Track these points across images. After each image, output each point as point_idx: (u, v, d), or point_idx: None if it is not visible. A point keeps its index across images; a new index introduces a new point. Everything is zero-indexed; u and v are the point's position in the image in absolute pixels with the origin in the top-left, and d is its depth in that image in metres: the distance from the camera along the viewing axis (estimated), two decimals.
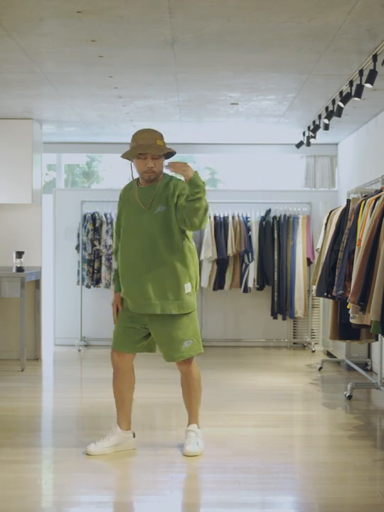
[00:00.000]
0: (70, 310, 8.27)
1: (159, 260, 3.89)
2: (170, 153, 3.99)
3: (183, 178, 3.84)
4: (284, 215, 8.02)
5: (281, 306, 7.98)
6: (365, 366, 6.74)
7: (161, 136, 3.95)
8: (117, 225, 4.13)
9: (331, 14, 3.89)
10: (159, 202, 3.93)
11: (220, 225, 7.92)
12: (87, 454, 4.00)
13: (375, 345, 6.58)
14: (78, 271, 8.12)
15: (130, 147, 3.95)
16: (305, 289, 7.96)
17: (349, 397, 5.50)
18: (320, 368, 6.79)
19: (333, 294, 5.48)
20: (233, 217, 7.97)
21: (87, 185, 10.91)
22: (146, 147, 3.86)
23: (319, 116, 6.49)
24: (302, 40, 4.38)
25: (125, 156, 3.98)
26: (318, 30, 4.17)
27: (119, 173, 10.66)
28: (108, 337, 8.06)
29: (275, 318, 8.07)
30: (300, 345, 8.30)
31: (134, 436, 4.16)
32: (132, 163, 4.00)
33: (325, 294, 5.85)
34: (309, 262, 7.98)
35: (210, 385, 6.00)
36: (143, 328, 4.03)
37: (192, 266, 3.98)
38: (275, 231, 7.98)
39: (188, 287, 3.94)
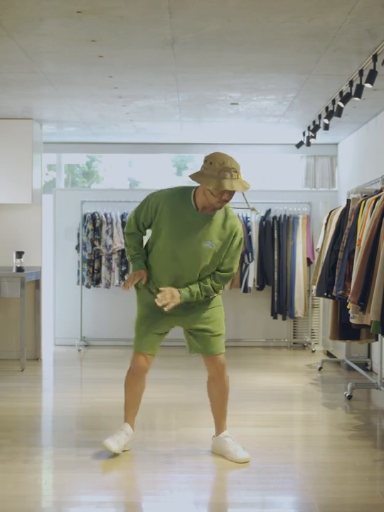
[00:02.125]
0: (70, 310, 8.26)
1: (194, 280, 3.92)
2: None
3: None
4: (284, 215, 8.02)
5: (281, 306, 7.98)
6: (365, 366, 6.74)
7: (240, 168, 3.73)
8: (145, 217, 3.93)
9: (331, 14, 3.89)
10: (211, 236, 3.86)
11: None
12: (108, 450, 3.96)
13: (375, 345, 6.58)
14: (78, 271, 8.12)
15: (207, 173, 3.69)
16: (305, 289, 7.96)
17: (349, 397, 5.50)
18: (320, 368, 6.80)
19: (333, 294, 5.48)
20: None
21: (87, 185, 10.91)
22: (234, 185, 3.66)
23: (319, 116, 6.49)
24: (302, 40, 4.38)
25: (202, 182, 3.72)
26: (318, 30, 4.17)
27: (119, 173, 10.66)
28: (108, 337, 8.15)
29: (275, 318, 8.07)
30: (300, 345, 8.31)
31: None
32: (203, 187, 3.79)
33: (325, 294, 5.85)
34: (309, 262, 7.98)
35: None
36: (167, 331, 4.08)
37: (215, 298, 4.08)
38: (275, 231, 7.98)
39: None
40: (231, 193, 3.75)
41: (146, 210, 3.95)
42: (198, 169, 3.83)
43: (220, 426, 4.12)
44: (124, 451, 4.06)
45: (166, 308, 3.81)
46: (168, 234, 3.87)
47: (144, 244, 4.08)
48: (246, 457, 3.97)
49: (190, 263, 3.88)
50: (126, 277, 7.89)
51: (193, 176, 3.77)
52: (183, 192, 3.92)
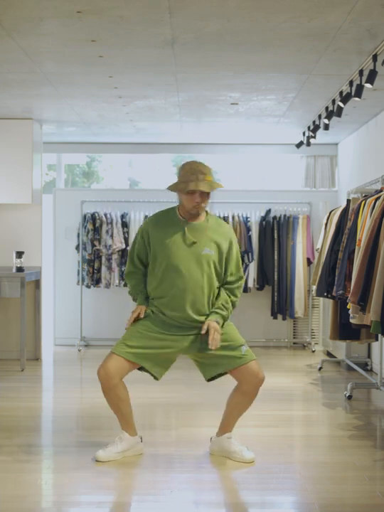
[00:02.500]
0: (70, 310, 8.27)
1: (198, 298, 3.89)
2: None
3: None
4: (284, 215, 8.02)
5: (281, 306, 7.98)
6: (365, 366, 6.74)
7: (209, 171, 3.88)
8: (139, 251, 4.01)
9: (331, 14, 3.89)
10: (207, 243, 3.92)
11: None
12: (97, 461, 3.94)
13: (375, 345, 6.59)
14: (78, 271, 8.12)
15: (178, 181, 3.89)
16: (305, 289, 7.96)
17: (349, 397, 5.50)
18: (320, 368, 6.80)
19: (333, 294, 5.48)
20: (233, 217, 7.97)
21: (87, 185, 10.91)
22: (198, 185, 3.80)
23: (319, 116, 6.49)
24: (302, 40, 4.38)
25: (173, 189, 3.91)
26: (318, 30, 4.17)
27: (119, 173, 10.66)
28: (108, 337, 8.15)
29: (275, 318, 8.07)
30: (300, 345, 8.31)
31: (141, 441, 4.12)
32: (178, 196, 3.95)
33: (325, 294, 5.85)
34: (309, 262, 7.98)
35: (210, 385, 5.99)
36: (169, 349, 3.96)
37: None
38: (275, 231, 7.98)
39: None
40: (203, 196, 3.85)
41: (139, 243, 4.03)
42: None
43: (226, 429, 4.09)
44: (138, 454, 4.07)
45: (214, 347, 3.81)
46: (165, 252, 3.91)
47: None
48: (252, 457, 3.98)
49: (193, 274, 3.88)
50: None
51: (168, 189, 3.95)
52: (167, 211, 4.08)
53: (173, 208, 4.06)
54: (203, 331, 3.81)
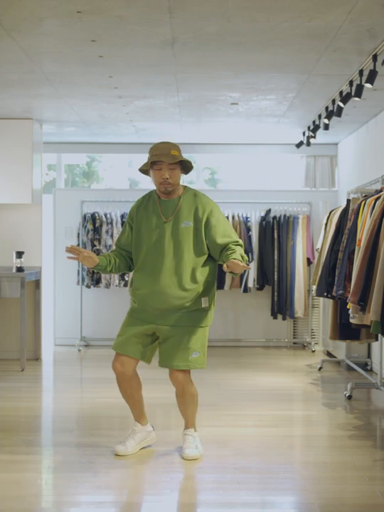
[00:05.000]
0: (70, 310, 8.27)
1: (182, 273, 3.88)
2: (187, 167, 3.97)
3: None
4: (284, 215, 8.02)
5: (281, 306, 7.98)
6: (365, 366, 6.74)
7: (175, 147, 3.91)
8: (125, 239, 4.04)
9: (331, 14, 3.89)
10: (184, 216, 3.93)
11: None
12: (117, 455, 4.01)
13: (375, 345, 6.59)
14: (78, 271, 8.12)
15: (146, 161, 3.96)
16: (305, 289, 7.96)
17: (349, 397, 5.50)
18: (320, 368, 6.80)
19: (333, 294, 5.48)
20: (233, 217, 7.97)
21: (87, 185, 10.91)
22: (159, 156, 3.85)
23: (319, 116, 6.49)
24: (302, 40, 4.38)
25: (143, 168, 3.98)
26: (318, 30, 4.17)
27: (119, 173, 10.65)
28: (108, 337, 8.15)
29: (275, 318, 8.07)
30: (300, 345, 8.31)
31: (153, 429, 4.23)
32: (151, 177, 3.99)
33: (325, 294, 5.85)
34: (309, 262, 7.98)
35: (210, 385, 6.00)
36: (150, 335, 4.01)
37: (212, 281, 3.99)
38: (275, 231, 7.98)
39: (205, 301, 3.95)
40: (171, 169, 3.87)
41: (125, 228, 4.08)
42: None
43: (185, 423, 4.13)
44: (145, 447, 4.17)
45: (238, 271, 3.65)
46: (146, 238, 3.95)
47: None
48: (192, 455, 3.99)
49: (174, 252, 3.89)
50: (126, 277, 7.89)
51: (139, 169, 4.03)
52: (147, 195, 4.12)
53: (149, 192, 4.11)
54: (227, 269, 3.68)
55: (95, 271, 3.95)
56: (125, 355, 3.98)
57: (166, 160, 3.85)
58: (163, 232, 3.92)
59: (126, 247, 4.05)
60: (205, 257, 3.95)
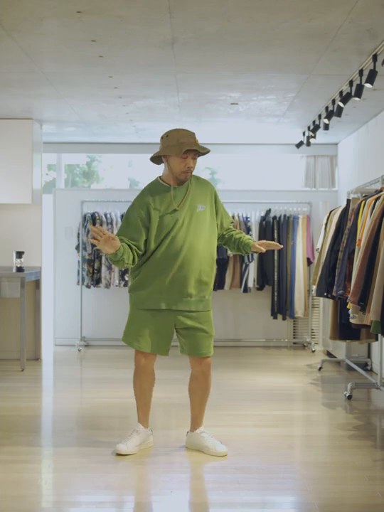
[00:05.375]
0: (70, 310, 8.27)
1: (202, 259, 3.96)
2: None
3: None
4: (284, 215, 8.02)
5: (281, 306, 7.97)
6: (365, 366, 6.74)
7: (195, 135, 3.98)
8: (135, 232, 3.91)
9: (331, 14, 3.89)
10: (198, 201, 3.99)
11: None
12: (118, 454, 4.01)
13: (375, 345, 6.58)
14: (78, 271, 8.12)
15: (166, 145, 3.91)
16: (305, 289, 7.96)
17: (349, 397, 5.50)
18: (320, 368, 6.80)
19: (333, 294, 5.48)
20: (233, 217, 7.96)
21: (87, 185, 10.90)
22: (193, 144, 3.86)
23: (319, 116, 6.49)
24: (302, 40, 4.38)
25: (164, 152, 3.90)
26: (318, 30, 4.17)
27: (119, 173, 10.65)
28: (108, 337, 8.15)
29: (275, 318, 8.07)
30: (300, 345, 8.31)
31: (152, 433, 4.25)
32: (166, 162, 3.95)
33: (325, 294, 5.85)
34: (309, 262, 7.98)
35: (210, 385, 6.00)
36: (171, 330, 4.05)
37: (215, 266, 4.14)
38: (275, 231, 7.97)
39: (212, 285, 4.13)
40: (194, 158, 3.91)
41: (133, 221, 3.93)
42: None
43: (196, 423, 4.18)
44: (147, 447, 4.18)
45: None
46: (164, 220, 3.94)
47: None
48: (224, 451, 4.04)
49: (193, 237, 3.93)
50: (126, 277, 7.89)
51: (154, 155, 3.99)
52: (150, 185, 4.07)
53: (153, 181, 4.07)
54: (264, 249, 3.98)
55: (110, 260, 3.82)
56: (147, 351, 4.03)
57: (199, 149, 3.88)
58: (181, 219, 3.93)
59: (135, 241, 3.92)
60: (215, 240, 4.07)
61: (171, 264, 3.93)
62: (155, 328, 4.00)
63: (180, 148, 3.84)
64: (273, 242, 3.99)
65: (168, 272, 3.93)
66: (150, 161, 4.09)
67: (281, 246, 4.02)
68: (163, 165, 4.05)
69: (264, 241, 4.04)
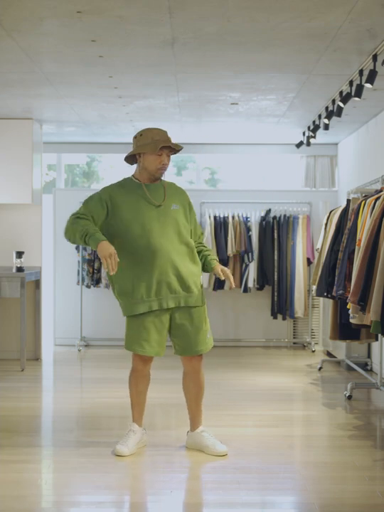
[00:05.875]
0: (70, 310, 8.27)
1: (179, 253, 3.97)
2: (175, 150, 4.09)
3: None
4: (284, 215, 8.02)
5: (281, 306, 7.97)
6: (365, 366, 6.74)
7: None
8: (95, 207, 3.89)
9: (331, 14, 3.89)
10: (172, 200, 4.04)
11: (220, 225, 7.93)
12: (119, 456, 4.00)
13: (375, 345, 6.58)
14: (78, 271, 8.12)
15: (140, 144, 3.98)
16: (305, 289, 7.96)
17: (349, 397, 5.50)
18: (320, 368, 6.80)
19: (333, 294, 5.48)
20: (233, 217, 7.97)
21: (87, 185, 10.90)
22: (167, 142, 3.93)
23: (319, 116, 6.49)
24: (302, 40, 4.38)
25: (140, 150, 3.96)
26: (318, 30, 4.17)
27: (119, 173, 10.65)
28: (108, 337, 8.15)
29: (275, 318, 8.07)
30: (300, 345, 8.31)
31: (146, 432, 4.26)
32: (140, 160, 4.00)
33: (325, 294, 5.85)
34: (309, 262, 7.98)
35: (210, 385, 5.98)
36: (167, 329, 4.04)
37: (198, 261, 4.13)
38: (275, 231, 7.97)
39: (202, 279, 4.12)
40: (168, 155, 3.99)
41: (95, 202, 3.94)
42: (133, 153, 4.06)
43: (196, 421, 4.18)
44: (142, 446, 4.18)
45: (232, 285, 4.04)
46: (135, 216, 3.93)
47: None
48: (225, 450, 4.05)
49: (168, 234, 3.94)
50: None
51: (129, 153, 4.04)
52: (123, 181, 4.10)
53: (127, 178, 4.10)
54: (222, 277, 4.03)
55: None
56: (153, 355, 4.04)
57: (173, 146, 3.96)
58: (157, 215, 3.95)
59: (94, 213, 3.89)
60: (189, 238, 4.07)
61: (148, 259, 3.91)
62: (153, 330, 3.99)
63: (155, 146, 3.92)
64: (230, 276, 4.03)
65: (146, 267, 3.91)
66: (124, 161, 4.15)
67: (234, 286, 4.09)
68: (135, 165, 4.13)
69: (225, 270, 4.05)
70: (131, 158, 4.12)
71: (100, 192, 4.02)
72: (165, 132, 4.02)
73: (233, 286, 4.07)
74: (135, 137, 4.05)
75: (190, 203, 4.18)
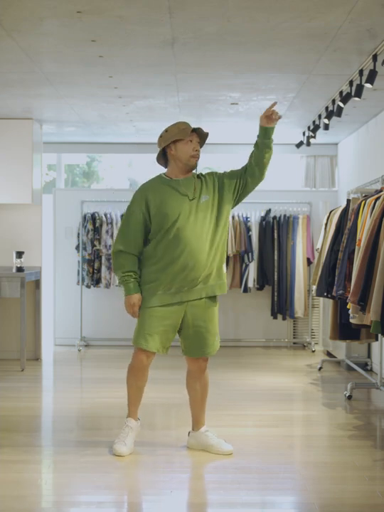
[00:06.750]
0: (70, 310, 8.27)
1: (210, 246, 3.95)
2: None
3: (263, 122, 4.26)
4: (284, 215, 8.02)
5: (281, 306, 7.97)
6: (365, 366, 6.74)
7: None
8: (135, 223, 3.97)
9: (331, 14, 3.89)
10: (203, 191, 4.01)
11: None
12: (119, 456, 3.99)
13: (375, 345, 6.59)
14: (78, 271, 8.12)
15: (171, 136, 3.94)
16: (305, 289, 7.96)
17: (349, 397, 5.50)
18: (320, 368, 6.80)
19: (333, 294, 5.48)
20: (233, 217, 7.96)
21: (87, 185, 10.91)
22: (190, 128, 3.94)
23: (319, 116, 6.49)
24: (302, 40, 4.38)
25: (175, 137, 3.92)
26: (318, 30, 4.17)
27: (119, 173, 10.66)
28: (108, 337, 8.15)
29: (275, 318, 8.07)
30: (300, 345, 8.31)
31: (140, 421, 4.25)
32: (172, 153, 3.98)
33: (325, 294, 5.85)
34: (309, 262, 7.98)
35: (210, 385, 5.99)
36: (177, 327, 4.04)
37: (224, 258, 4.11)
38: (275, 231, 7.97)
39: (225, 268, 4.10)
40: (199, 141, 4.00)
41: (136, 217, 3.98)
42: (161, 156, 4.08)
43: (199, 421, 4.18)
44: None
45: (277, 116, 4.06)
46: (170, 210, 3.92)
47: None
48: (230, 449, 4.06)
49: (201, 227, 3.92)
50: None
51: (159, 153, 4.04)
52: (154, 180, 4.09)
53: (156, 177, 4.09)
54: (270, 111, 4.03)
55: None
56: (155, 351, 4.02)
57: (201, 130, 3.98)
58: (189, 211, 3.93)
59: (140, 238, 3.98)
60: (221, 228, 4.01)
61: (177, 253, 3.90)
62: (164, 327, 3.98)
63: (186, 131, 3.93)
64: (270, 109, 4.02)
65: (174, 260, 3.91)
66: (156, 163, 4.11)
67: (279, 113, 4.06)
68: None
69: (264, 113, 4.09)
70: (162, 160, 4.08)
71: (137, 197, 4.01)
72: (188, 123, 4.01)
73: (276, 110, 4.01)
74: (161, 136, 4.01)
75: (218, 174, 4.09)
